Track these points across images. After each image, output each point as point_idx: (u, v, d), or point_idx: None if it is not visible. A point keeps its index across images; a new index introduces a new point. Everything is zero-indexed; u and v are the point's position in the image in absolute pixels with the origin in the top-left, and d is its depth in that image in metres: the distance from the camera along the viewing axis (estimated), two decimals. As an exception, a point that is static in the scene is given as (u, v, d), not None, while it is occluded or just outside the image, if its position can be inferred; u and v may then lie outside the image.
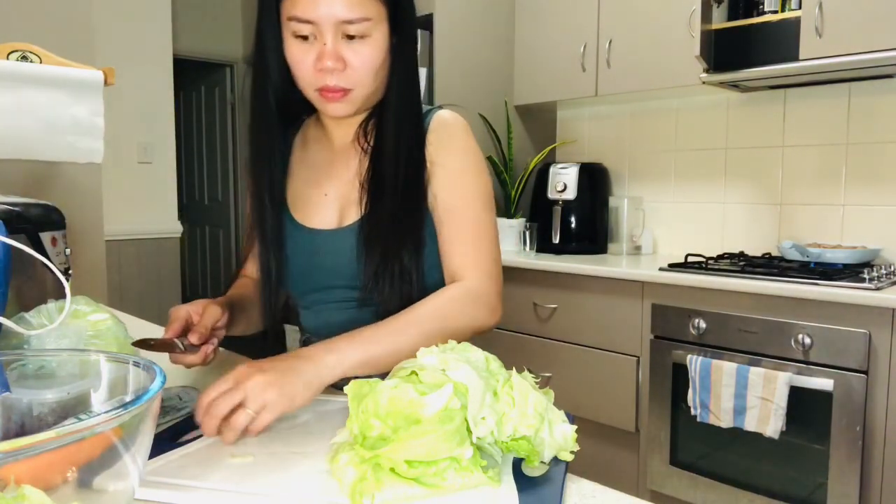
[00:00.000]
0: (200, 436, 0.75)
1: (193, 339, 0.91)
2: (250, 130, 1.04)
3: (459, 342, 0.94)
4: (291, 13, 0.89)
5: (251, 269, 1.14)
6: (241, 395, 0.73)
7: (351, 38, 0.90)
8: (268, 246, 1.03)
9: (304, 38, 0.90)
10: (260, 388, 0.73)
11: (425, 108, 1.05)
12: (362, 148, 1.02)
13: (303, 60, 0.91)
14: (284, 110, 1.03)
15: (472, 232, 0.99)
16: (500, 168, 2.96)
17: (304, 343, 1.12)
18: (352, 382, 0.67)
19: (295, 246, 1.04)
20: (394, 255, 0.95)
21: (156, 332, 1.41)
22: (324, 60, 0.89)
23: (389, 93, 0.98)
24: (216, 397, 0.73)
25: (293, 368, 0.77)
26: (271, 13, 0.94)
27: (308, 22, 0.88)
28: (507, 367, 0.73)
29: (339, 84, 0.92)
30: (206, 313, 0.94)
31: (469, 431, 0.62)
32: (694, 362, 2.05)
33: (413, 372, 0.69)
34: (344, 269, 1.01)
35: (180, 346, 0.90)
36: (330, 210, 1.04)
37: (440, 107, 1.05)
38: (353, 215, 1.01)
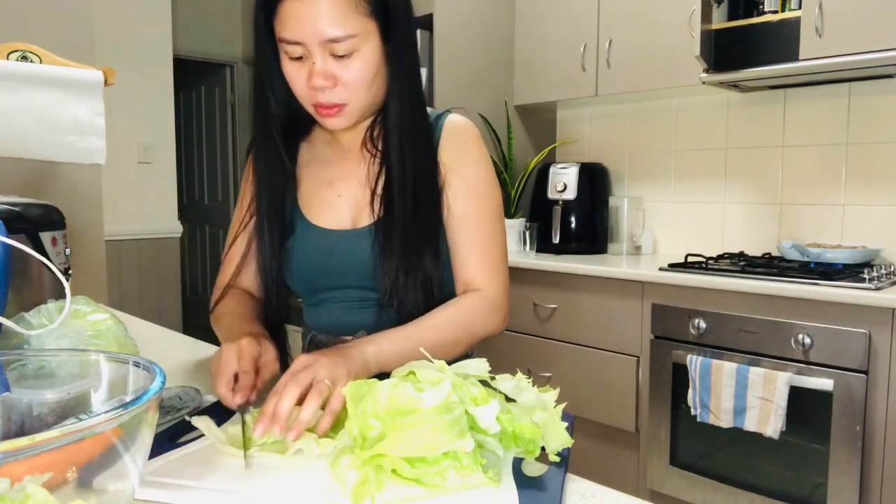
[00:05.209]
0: (201, 436, 0.74)
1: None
2: (253, 140, 1.05)
3: (473, 347, 0.99)
4: (281, 35, 0.91)
5: (246, 279, 1.10)
6: (311, 374, 0.75)
7: (340, 56, 0.91)
8: (267, 250, 1.04)
9: (298, 58, 0.92)
10: (328, 366, 0.77)
11: (434, 111, 1.06)
12: (371, 153, 1.03)
13: (297, 78, 0.93)
14: (292, 119, 1.04)
15: (487, 242, 1.02)
16: (500, 168, 2.96)
17: (311, 341, 1.11)
18: (350, 384, 0.67)
19: (307, 245, 1.04)
20: (415, 263, 0.97)
21: (156, 331, 1.41)
22: (314, 79, 0.91)
23: (390, 100, 0.99)
24: (288, 381, 0.74)
25: (342, 356, 0.81)
26: (264, 32, 0.95)
27: (297, 43, 0.90)
28: (508, 367, 0.73)
29: (332, 100, 0.93)
30: (263, 368, 0.86)
31: (469, 426, 0.62)
32: (694, 362, 2.05)
33: (411, 372, 0.69)
34: (358, 270, 1.01)
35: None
36: (343, 211, 1.04)
37: (449, 111, 1.06)
38: (367, 218, 1.02)
